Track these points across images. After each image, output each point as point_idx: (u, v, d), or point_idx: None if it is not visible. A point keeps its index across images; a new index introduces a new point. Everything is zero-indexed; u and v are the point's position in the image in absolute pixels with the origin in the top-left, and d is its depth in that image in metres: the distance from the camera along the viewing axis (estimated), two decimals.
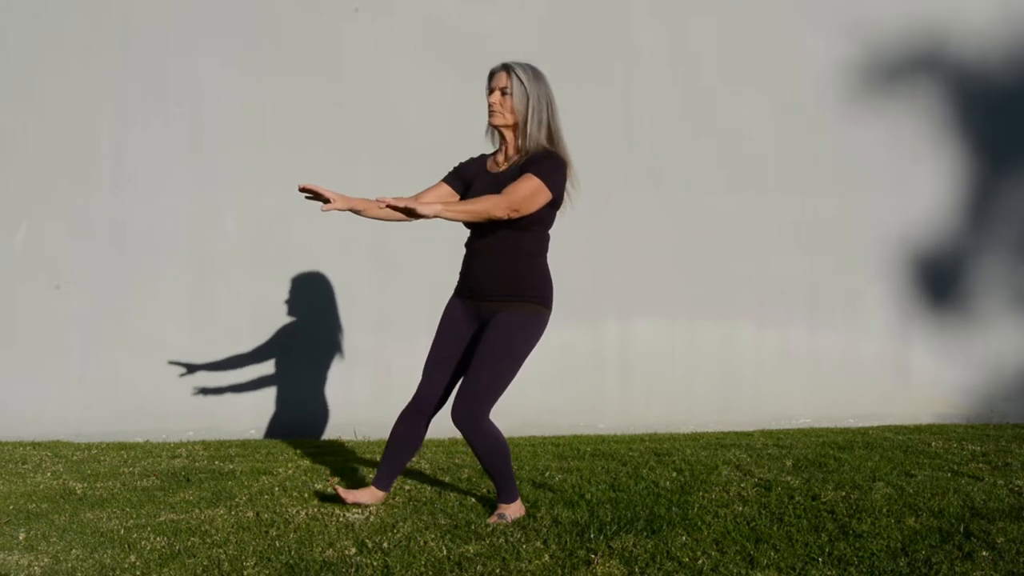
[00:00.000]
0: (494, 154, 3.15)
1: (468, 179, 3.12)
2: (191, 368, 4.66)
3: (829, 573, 2.51)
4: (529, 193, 2.87)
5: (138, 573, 2.55)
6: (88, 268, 4.63)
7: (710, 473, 3.66)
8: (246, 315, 4.69)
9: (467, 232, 3.11)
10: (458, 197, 3.11)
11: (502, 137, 3.07)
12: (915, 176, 5.00)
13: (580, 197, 4.82)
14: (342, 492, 3.13)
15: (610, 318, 4.86)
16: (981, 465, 3.80)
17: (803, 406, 4.94)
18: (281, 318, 4.69)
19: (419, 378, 3.13)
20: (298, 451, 4.26)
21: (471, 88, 4.81)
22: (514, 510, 3.07)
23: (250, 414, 4.70)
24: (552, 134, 3.01)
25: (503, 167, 3.05)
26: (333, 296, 4.72)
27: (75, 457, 4.12)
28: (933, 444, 4.27)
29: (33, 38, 4.63)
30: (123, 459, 4.09)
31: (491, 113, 3.01)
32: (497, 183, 2.98)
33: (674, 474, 3.66)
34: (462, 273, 3.12)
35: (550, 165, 2.93)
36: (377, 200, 2.80)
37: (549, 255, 3.08)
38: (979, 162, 5.04)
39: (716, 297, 4.91)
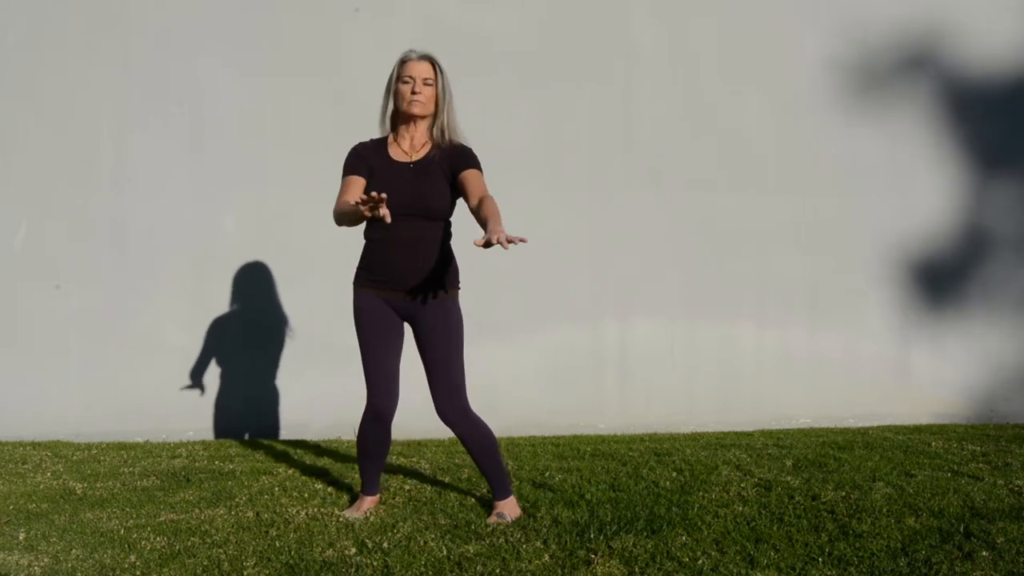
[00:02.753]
0: (389, 141, 3.07)
1: (370, 167, 3.03)
2: (191, 368, 4.66)
3: (829, 573, 2.52)
4: None
5: (138, 573, 2.55)
6: (88, 268, 4.63)
7: (710, 473, 3.66)
8: (246, 315, 4.69)
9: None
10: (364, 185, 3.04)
11: (407, 124, 3.03)
12: (915, 176, 5.01)
13: (580, 197, 4.84)
14: (355, 512, 3.13)
15: (610, 318, 4.86)
16: (981, 465, 3.80)
17: (803, 406, 4.94)
18: (281, 318, 4.70)
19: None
20: (298, 451, 4.26)
21: (471, 88, 4.81)
22: (511, 506, 3.07)
23: (250, 414, 4.70)
24: (455, 124, 3.06)
25: (415, 156, 3.02)
26: (333, 296, 4.72)
27: (75, 457, 4.12)
28: (933, 444, 4.27)
29: (33, 38, 4.63)
30: (123, 459, 4.09)
31: (412, 103, 2.96)
32: (415, 172, 2.96)
33: (674, 474, 3.65)
34: (377, 267, 2.99)
35: (477, 159, 3.02)
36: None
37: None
38: (979, 162, 5.04)
39: (716, 297, 4.91)
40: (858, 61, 4.98)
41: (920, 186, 5.00)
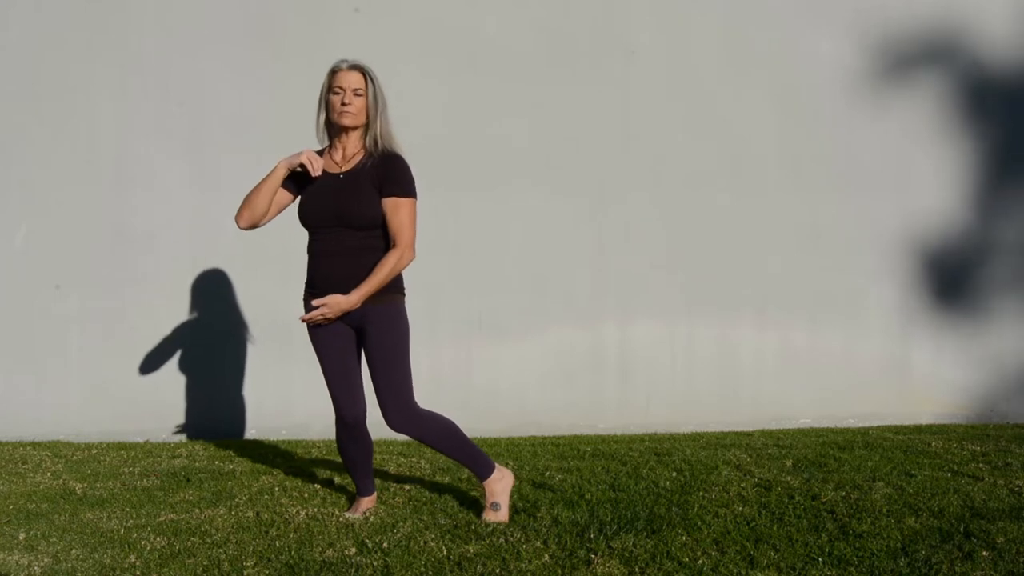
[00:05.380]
0: (325, 152, 3.06)
1: (300, 178, 3.03)
2: (191, 368, 4.66)
3: (829, 573, 2.52)
4: (412, 221, 2.94)
5: (138, 573, 2.56)
6: (88, 268, 4.63)
7: (710, 473, 3.66)
8: (246, 315, 4.69)
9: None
10: (291, 197, 3.06)
11: (340, 135, 3.01)
12: (915, 176, 5.00)
13: (580, 197, 4.84)
14: (354, 513, 3.13)
15: (610, 318, 4.86)
16: (981, 465, 3.80)
17: (803, 406, 4.93)
18: (281, 318, 4.69)
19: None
20: (298, 451, 4.26)
21: (470, 88, 4.82)
22: (498, 484, 3.06)
23: (250, 414, 4.70)
24: (390, 132, 3.02)
25: (344, 167, 2.99)
26: None
27: (75, 457, 4.12)
28: (933, 444, 4.27)
29: (33, 38, 4.64)
30: (123, 459, 4.09)
31: (343, 114, 2.94)
32: (341, 184, 2.94)
33: (674, 474, 3.65)
34: (319, 277, 2.99)
35: (405, 175, 2.96)
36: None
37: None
38: (979, 162, 5.03)
39: (716, 297, 4.91)
40: (859, 60, 4.97)
41: (920, 186, 5.00)
